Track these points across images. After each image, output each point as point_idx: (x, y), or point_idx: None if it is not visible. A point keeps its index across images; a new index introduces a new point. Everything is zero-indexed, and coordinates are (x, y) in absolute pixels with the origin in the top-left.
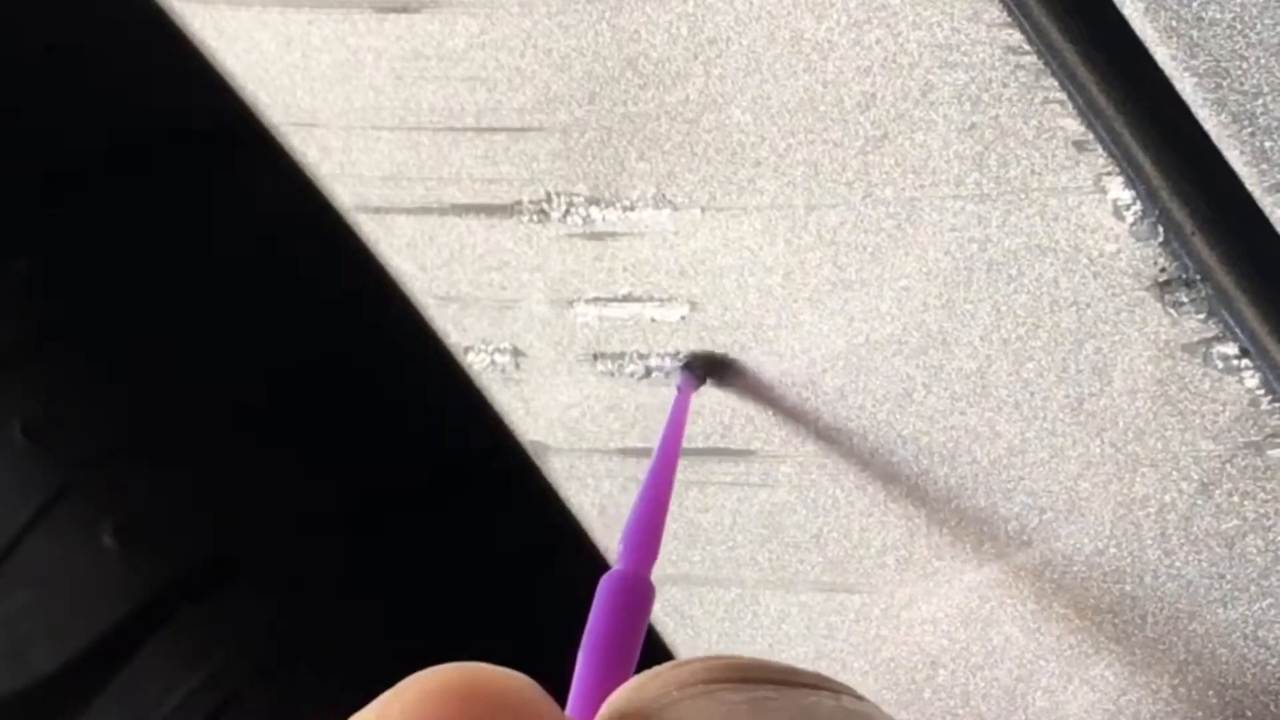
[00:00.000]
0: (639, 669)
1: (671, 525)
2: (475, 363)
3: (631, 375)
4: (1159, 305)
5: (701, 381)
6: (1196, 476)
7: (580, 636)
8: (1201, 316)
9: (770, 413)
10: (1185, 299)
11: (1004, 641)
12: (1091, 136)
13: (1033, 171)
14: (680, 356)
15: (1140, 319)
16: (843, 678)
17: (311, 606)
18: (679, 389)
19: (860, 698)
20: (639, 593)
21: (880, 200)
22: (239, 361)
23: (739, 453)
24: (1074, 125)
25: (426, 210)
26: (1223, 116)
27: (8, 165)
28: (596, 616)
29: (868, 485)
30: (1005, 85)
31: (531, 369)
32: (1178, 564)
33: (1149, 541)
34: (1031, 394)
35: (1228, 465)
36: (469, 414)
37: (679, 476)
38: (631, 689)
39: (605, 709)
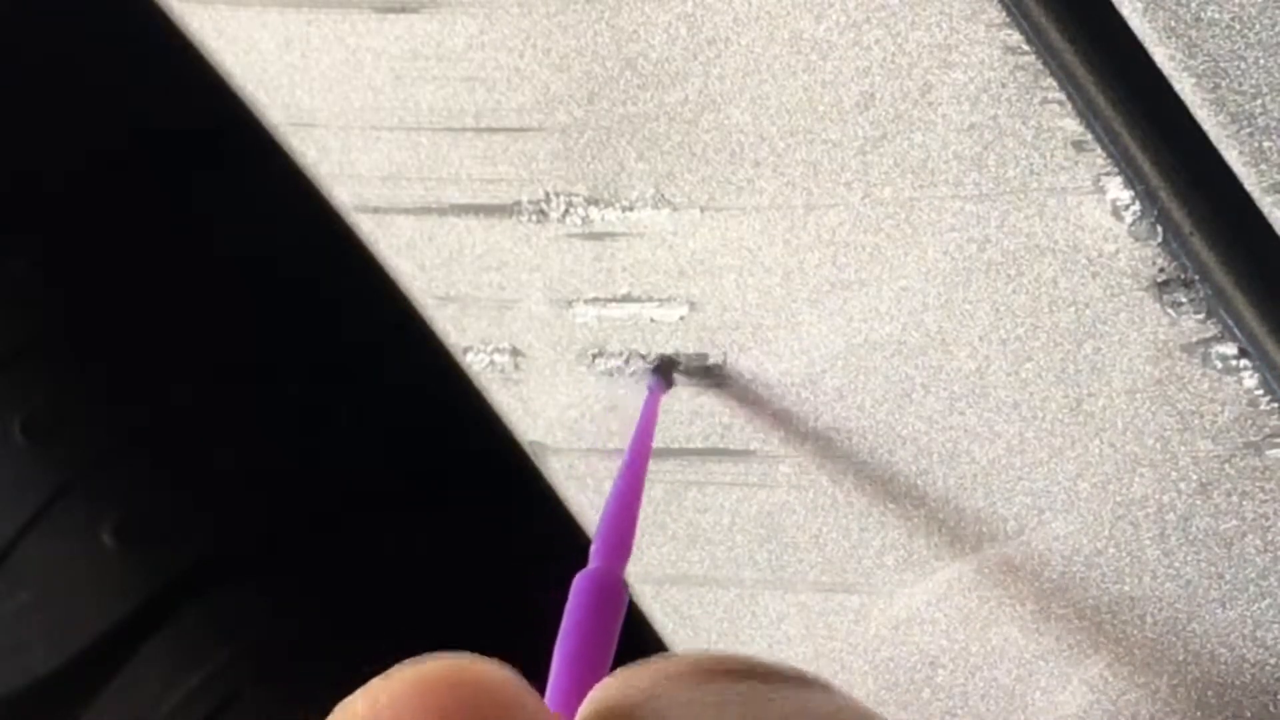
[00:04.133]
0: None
1: (671, 525)
2: (474, 363)
3: (631, 375)
4: (1157, 305)
5: (671, 384)
6: (1195, 477)
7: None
8: (1200, 316)
9: (769, 413)
10: (1184, 299)
11: (1004, 641)
12: (1090, 136)
13: (1031, 171)
14: (650, 359)
15: (1139, 319)
16: (842, 678)
17: (311, 606)
18: (649, 389)
19: (831, 689)
20: (612, 590)
21: (879, 200)
22: (239, 361)
23: (738, 453)
24: (1073, 125)
25: (426, 210)
26: (1221, 116)
27: (8, 165)
28: (572, 614)
29: (867, 485)
30: (1004, 85)
31: (530, 369)
32: (1176, 564)
33: (1148, 541)
34: (1030, 394)
35: (1226, 465)
36: (468, 414)
37: (678, 477)
38: (618, 681)
39: (590, 701)
